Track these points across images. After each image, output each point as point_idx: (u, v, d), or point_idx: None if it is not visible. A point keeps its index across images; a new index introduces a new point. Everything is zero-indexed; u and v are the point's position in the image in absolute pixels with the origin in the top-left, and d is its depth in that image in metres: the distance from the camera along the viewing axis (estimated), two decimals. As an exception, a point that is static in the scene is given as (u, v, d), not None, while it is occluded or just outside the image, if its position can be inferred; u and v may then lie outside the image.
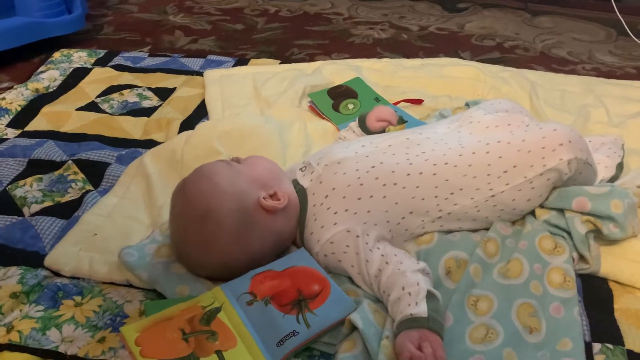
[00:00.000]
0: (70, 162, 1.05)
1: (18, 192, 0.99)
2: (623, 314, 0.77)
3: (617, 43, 1.64)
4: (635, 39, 1.62)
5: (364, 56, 1.50)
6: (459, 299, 0.76)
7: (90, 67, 1.44)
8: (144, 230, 0.90)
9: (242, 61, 1.48)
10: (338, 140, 1.06)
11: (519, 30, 1.73)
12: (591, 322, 0.76)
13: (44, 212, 0.95)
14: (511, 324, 0.74)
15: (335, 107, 1.21)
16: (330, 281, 0.76)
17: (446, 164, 0.83)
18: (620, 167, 0.96)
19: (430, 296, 0.71)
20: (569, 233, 0.83)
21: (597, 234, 0.83)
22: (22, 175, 1.03)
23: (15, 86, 1.34)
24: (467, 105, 1.17)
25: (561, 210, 0.85)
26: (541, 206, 0.86)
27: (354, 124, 1.04)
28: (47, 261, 0.84)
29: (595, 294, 0.80)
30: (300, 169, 0.88)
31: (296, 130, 1.13)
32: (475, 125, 0.91)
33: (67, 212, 0.94)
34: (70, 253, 0.85)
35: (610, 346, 0.72)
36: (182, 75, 1.40)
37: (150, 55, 1.52)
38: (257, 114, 1.21)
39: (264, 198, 0.80)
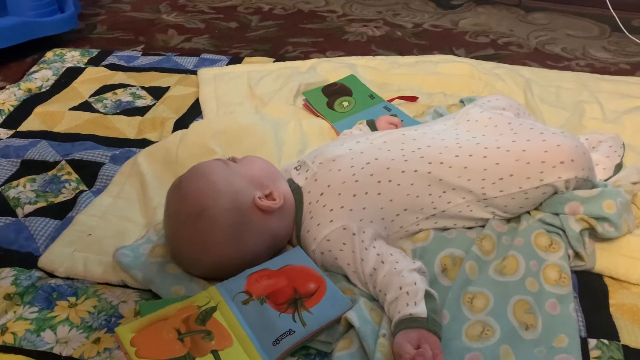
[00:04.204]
0: (63, 162, 1.05)
1: (11, 193, 0.98)
2: (618, 309, 0.77)
3: (611, 39, 1.64)
4: (629, 35, 1.63)
5: (359, 54, 1.50)
6: (455, 297, 0.76)
7: (83, 66, 1.43)
8: (138, 230, 0.90)
9: (236, 59, 1.47)
10: (340, 138, 1.05)
11: (513, 27, 1.73)
12: (587, 318, 0.76)
13: (38, 212, 0.94)
14: (507, 320, 0.74)
15: (330, 105, 1.21)
16: (326, 280, 0.76)
17: (441, 163, 0.83)
18: (618, 167, 0.95)
19: (428, 296, 0.71)
20: (564, 230, 0.83)
21: (592, 232, 0.84)
22: (15, 176, 1.02)
23: (7, 86, 1.33)
24: (462, 102, 1.17)
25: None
26: (535, 209, 0.87)
27: (363, 126, 1.04)
28: (41, 262, 0.84)
29: (591, 290, 0.80)
30: (295, 167, 0.88)
31: (291, 129, 1.13)
32: (473, 123, 0.91)
33: (61, 212, 0.94)
34: (64, 254, 0.85)
35: (606, 341, 0.73)
36: (175, 74, 1.39)
37: (143, 54, 1.51)
38: (251, 113, 1.21)
39: (259, 198, 0.80)
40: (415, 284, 0.72)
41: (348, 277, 0.79)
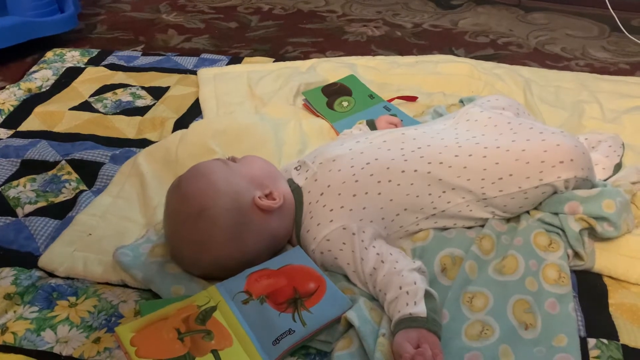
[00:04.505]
0: (63, 162, 1.05)
1: (11, 193, 0.98)
2: (617, 309, 0.77)
3: (611, 39, 1.64)
4: (629, 35, 1.63)
5: (358, 54, 1.50)
6: (455, 296, 0.76)
7: (83, 66, 1.43)
8: (138, 230, 0.90)
9: (236, 59, 1.47)
10: (340, 137, 1.05)
11: (512, 27, 1.73)
12: (586, 318, 0.76)
13: (38, 212, 0.94)
14: (507, 320, 0.74)
15: (330, 105, 1.21)
16: (326, 279, 0.76)
17: (441, 163, 0.83)
18: (618, 167, 0.95)
19: (427, 296, 0.71)
20: (563, 230, 0.83)
21: (592, 231, 0.84)
22: (15, 176, 1.02)
23: (7, 86, 1.33)
24: (462, 102, 1.18)
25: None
26: (534, 208, 0.87)
27: (363, 125, 1.04)
28: (41, 262, 0.84)
29: (590, 289, 0.80)
30: (295, 167, 0.88)
31: (291, 129, 1.13)
32: (472, 123, 0.91)
33: (61, 212, 0.94)
34: (64, 253, 0.85)
35: (605, 341, 0.73)
36: (175, 74, 1.39)
37: (143, 54, 1.51)
38: (251, 113, 1.21)
39: (259, 197, 0.80)
40: (415, 283, 0.72)
41: (348, 276, 0.80)
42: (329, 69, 1.35)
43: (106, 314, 0.77)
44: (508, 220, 0.87)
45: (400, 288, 0.72)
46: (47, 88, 1.34)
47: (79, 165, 1.04)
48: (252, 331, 0.69)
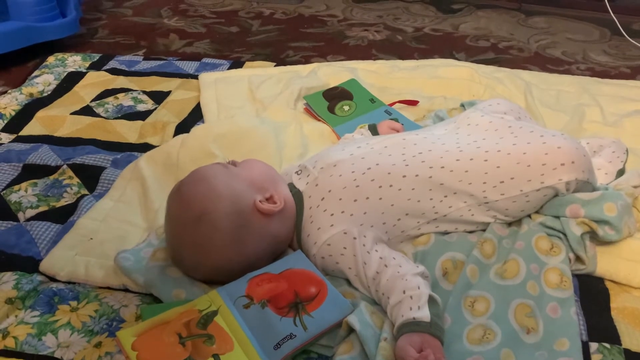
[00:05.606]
0: (65, 166, 1.05)
1: (13, 197, 0.98)
2: (620, 313, 0.77)
3: (611, 43, 1.65)
4: (629, 39, 1.63)
5: (359, 58, 1.50)
6: (456, 300, 0.76)
7: (84, 71, 1.44)
8: (139, 234, 0.90)
9: (237, 64, 1.48)
10: (341, 142, 1.05)
11: (513, 31, 1.73)
12: (588, 322, 0.76)
13: (39, 217, 0.94)
14: (508, 324, 0.74)
15: (331, 109, 1.21)
16: (327, 283, 0.76)
17: (442, 167, 0.83)
18: (620, 173, 0.95)
19: (431, 300, 0.71)
20: (564, 234, 0.83)
21: (593, 235, 0.84)
22: (16, 180, 1.02)
23: (9, 91, 1.33)
24: (463, 106, 1.18)
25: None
26: (535, 212, 0.87)
27: (364, 130, 1.04)
28: (43, 266, 0.84)
29: (592, 293, 0.80)
30: (296, 172, 0.88)
31: (292, 132, 1.13)
32: (473, 127, 0.91)
33: (63, 216, 0.94)
34: (65, 258, 0.85)
35: (607, 345, 0.73)
36: (177, 78, 1.39)
37: (145, 59, 1.52)
38: (252, 116, 1.21)
39: (260, 201, 0.80)
40: (419, 288, 0.72)
41: (349, 280, 0.79)
42: (330, 73, 1.35)
43: (107, 319, 0.77)
44: (509, 224, 0.87)
45: (404, 292, 0.72)
46: (49, 93, 1.34)
47: (80, 170, 1.04)
48: (253, 335, 0.69)
